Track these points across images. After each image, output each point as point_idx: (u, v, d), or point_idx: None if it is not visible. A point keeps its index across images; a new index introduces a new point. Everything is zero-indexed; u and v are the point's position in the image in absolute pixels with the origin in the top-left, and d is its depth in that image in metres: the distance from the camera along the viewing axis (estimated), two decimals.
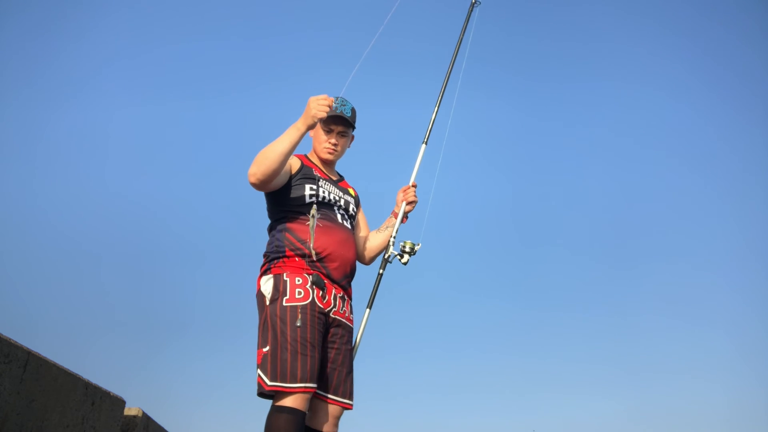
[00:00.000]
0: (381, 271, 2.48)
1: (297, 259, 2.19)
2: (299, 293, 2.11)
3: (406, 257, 2.44)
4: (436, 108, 2.75)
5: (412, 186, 2.64)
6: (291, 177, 2.33)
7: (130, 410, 2.90)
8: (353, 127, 2.53)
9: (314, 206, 2.22)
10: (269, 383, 1.97)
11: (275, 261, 2.22)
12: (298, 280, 2.14)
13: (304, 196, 2.29)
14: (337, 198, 2.40)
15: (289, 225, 2.27)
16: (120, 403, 2.71)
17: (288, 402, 1.96)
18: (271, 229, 2.36)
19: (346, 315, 2.27)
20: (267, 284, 2.17)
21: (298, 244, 2.21)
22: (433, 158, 2.68)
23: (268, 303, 2.13)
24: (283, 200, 2.30)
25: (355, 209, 2.51)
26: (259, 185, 2.18)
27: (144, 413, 2.99)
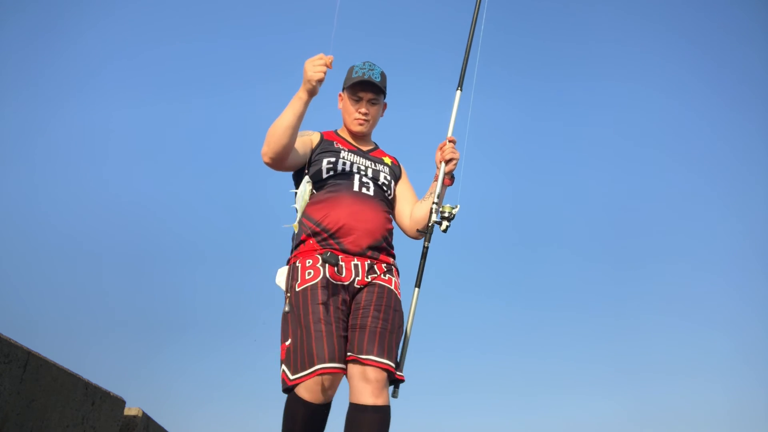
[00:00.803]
0: (426, 244, 2.18)
1: (311, 241, 2.03)
2: (309, 274, 1.95)
3: (444, 224, 2.14)
4: (467, 48, 2.41)
5: (450, 141, 2.26)
6: (312, 153, 2.15)
7: (130, 410, 2.90)
8: (384, 93, 2.27)
9: (306, 176, 1.96)
10: (291, 377, 1.80)
11: (294, 250, 2.08)
12: (309, 262, 1.98)
13: (321, 170, 2.11)
14: (361, 167, 2.18)
15: (308, 207, 2.07)
16: (120, 403, 2.71)
17: (305, 387, 1.77)
18: None
19: (380, 277, 2.04)
20: (281, 276, 2.03)
21: (312, 225, 2.04)
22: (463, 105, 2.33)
23: (286, 295, 1.96)
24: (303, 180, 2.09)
25: (389, 178, 2.25)
26: (274, 164, 2.02)
27: (144, 413, 2.99)
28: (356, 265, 2.00)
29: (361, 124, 2.24)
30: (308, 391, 1.77)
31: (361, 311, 1.94)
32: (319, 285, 1.91)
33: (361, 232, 2.03)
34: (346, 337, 1.89)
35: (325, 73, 1.91)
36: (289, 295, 1.94)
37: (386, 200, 2.21)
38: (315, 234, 2.03)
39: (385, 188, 2.21)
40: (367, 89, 2.22)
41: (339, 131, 2.33)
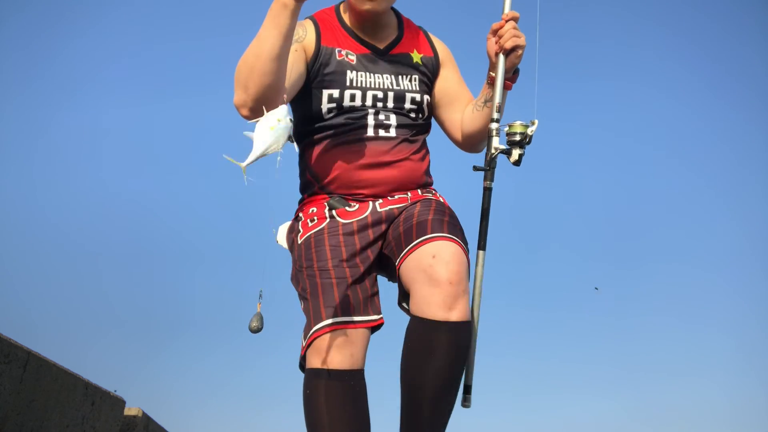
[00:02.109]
0: (486, 183, 1.50)
1: (315, 189, 1.56)
2: (312, 221, 1.50)
3: (515, 153, 1.44)
4: None
5: (507, 20, 1.49)
6: (308, 74, 1.49)
7: (130, 410, 2.90)
8: None
9: (283, 106, 1.16)
10: (303, 344, 1.38)
11: (297, 207, 1.64)
12: (312, 209, 1.52)
13: (320, 110, 1.50)
14: (378, 93, 1.53)
15: (306, 153, 1.56)
16: (120, 403, 2.71)
17: (315, 349, 1.31)
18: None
19: (417, 194, 1.56)
20: (282, 233, 1.61)
21: (310, 178, 1.56)
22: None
23: (290, 253, 1.56)
24: (297, 109, 1.56)
25: (420, 91, 1.59)
26: (257, 115, 1.20)
27: (144, 413, 2.99)
28: (374, 204, 1.53)
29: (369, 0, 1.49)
30: (318, 354, 1.30)
31: (401, 219, 1.45)
32: (326, 228, 1.46)
33: (380, 189, 1.53)
34: (368, 289, 1.42)
35: None
36: (292, 255, 1.53)
37: (418, 130, 1.61)
38: (315, 185, 1.57)
39: (414, 114, 1.58)
40: None
41: (342, 14, 1.60)
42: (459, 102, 1.64)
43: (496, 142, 1.48)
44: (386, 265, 1.52)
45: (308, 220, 1.52)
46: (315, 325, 1.33)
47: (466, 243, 1.42)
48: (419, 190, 1.58)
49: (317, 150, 1.55)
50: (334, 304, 1.35)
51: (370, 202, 1.52)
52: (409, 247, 1.37)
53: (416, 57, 1.62)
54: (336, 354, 1.30)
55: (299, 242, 1.50)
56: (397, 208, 1.52)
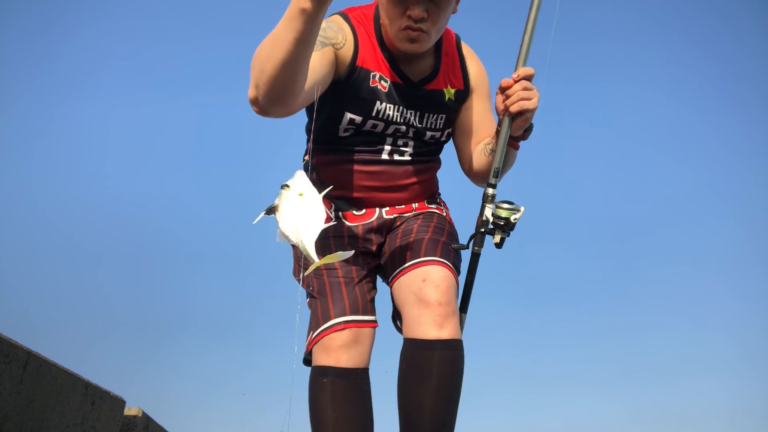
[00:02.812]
0: (475, 249, 1.43)
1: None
2: None
3: (497, 235, 1.37)
4: None
5: (517, 80, 1.34)
6: (333, 86, 1.36)
7: (130, 410, 2.90)
8: None
9: (300, 175, 1.10)
10: (308, 341, 1.40)
11: None
12: None
13: (338, 128, 1.42)
14: (401, 127, 1.45)
15: (317, 160, 1.51)
16: (120, 403, 2.71)
17: (322, 346, 1.31)
18: (305, 146, 1.59)
19: (423, 205, 1.57)
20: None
21: (320, 186, 1.46)
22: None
23: (291, 247, 1.54)
24: (312, 118, 1.48)
25: (443, 126, 1.51)
26: (271, 115, 1.19)
27: (144, 413, 2.99)
28: (381, 211, 1.52)
29: (413, 40, 1.34)
30: (326, 352, 1.30)
31: (399, 232, 1.45)
32: (332, 229, 1.46)
33: (386, 201, 1.52)
34: (371, 291, 1.43)
35: None
36: (294, 250, 1.52)
37: (431, 155, 1.58)
38: (320, 188, 1.52)
39: (432, 142, 1.54)
40: None
41: (381, 29, 1.43)
42: (476, 134, 1.56)
43: (488, 210, 1.41)
44: (384, 270, 1.54)
45: None
46: (324, 323, 1.34)
47: (458, 263, 1.44)
48: (426, 201, 1.59)
49: (327, 158, 1.50)
50: (343, 303, 1.35)
51: (377, 209, 1.53)
52: (402, 268, 1.39)
53: (449, 93, 1.52)
54: (344, 352, 1.31)
55: None
56: (400, 218, 1.54)
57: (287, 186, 1.03)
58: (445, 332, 1.27)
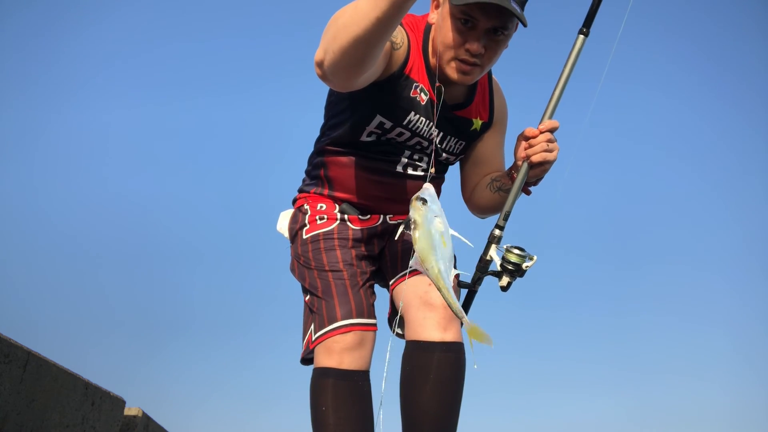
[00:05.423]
0: (475, 288, 1.43)
1: (325, 192, 1.54)
2: (321, 219, 1.48)
3: (505, 279, 1.32)
4: None
5: (543, 131, 1.36)
6: (374, 84, 1.32)
7: (130, 410, 2.90)
8: (521, 21, 1.31)
9: None
10: (312, 340, 1.39)
11: (299, 195, 1.62)
12: (321, 206, 1.51)
13: (362, 129, 1.41)
14: (424, 142, 1.46)
15: (328, 160, 1.51)
16: (120, 403, 2.71)
17: (325, 348, 1.32)
18: (315, 145, 1.57)
19: None
20: (284, 221, 1.57)
21: (326, 185, 1.53)
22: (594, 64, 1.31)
23: (290, 243, 1.54)
24: (336, 116, 1.47)
25: (461, 150, 1.54)
26: (329, 81, 1.18)
27: (144, 413, 2.99)
28: (384, 217, 1.55)
29: (465, 73, 1.33)
30: (329, 353, 1.31)
31: (399, 239, 1.44)
32: (336, 230, 1.46)
33: (392, 211, 1.54)
34: (372, 294, 1.45)
35: None
36: (292, 246, 1.53)
37: (440, 173, 1.61)
38: (326, 187, 1.54)
39: (444, 163, 1.57)
40: (492, 14, 1.25)
41: (429, 46, 1.40)
42: (485, 166, 1.58)
43: (493, 250, 1.36)
44: (383, 274, 1.57)
45: (317, 217, 1.49)
46: (330, 324, 1.34)
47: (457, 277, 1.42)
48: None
49: (341, 160, 1.49)
50: (349, 305, 1.35)
51: (381, 216, 1.56)
52: (404, 273, 1.40)
53: (476, 124, 1.53)
54: (347, 354, 1.32)
55: (305, 237, 1.48)
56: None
57: (424, 200, 1.02)
58: (449, 335, 1.29)
